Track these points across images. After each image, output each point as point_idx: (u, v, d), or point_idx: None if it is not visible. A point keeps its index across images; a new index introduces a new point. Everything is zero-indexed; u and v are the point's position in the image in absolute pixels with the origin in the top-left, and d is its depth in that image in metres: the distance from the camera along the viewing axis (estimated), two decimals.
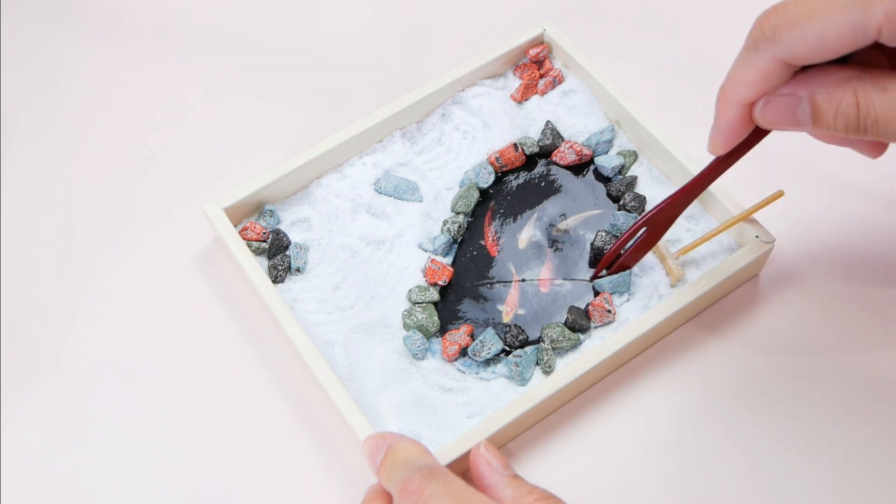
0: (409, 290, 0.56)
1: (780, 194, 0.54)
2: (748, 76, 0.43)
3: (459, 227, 0.58)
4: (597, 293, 0.55)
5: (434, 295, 0.56)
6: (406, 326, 0.55)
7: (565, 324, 0.54)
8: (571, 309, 0.54)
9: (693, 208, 0.57)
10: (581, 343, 0.54)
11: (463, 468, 0.50)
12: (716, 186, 0.56)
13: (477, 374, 0.53)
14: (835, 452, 0.51)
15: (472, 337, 0.54)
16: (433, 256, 0.57)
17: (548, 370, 0.53)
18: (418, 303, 0.55)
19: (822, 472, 0.50)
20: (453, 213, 0.59)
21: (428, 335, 0.54)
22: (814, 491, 0.50)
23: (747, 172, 0.60)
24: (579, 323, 0.54)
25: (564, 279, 0.56)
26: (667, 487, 0.50)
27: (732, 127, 0.46)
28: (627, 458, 0.51)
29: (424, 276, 0.56)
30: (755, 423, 0.52)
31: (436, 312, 0.55)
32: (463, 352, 0.54)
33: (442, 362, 0.54)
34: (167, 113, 0.66)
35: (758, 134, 0.47)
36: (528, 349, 0.53)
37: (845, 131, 0.42)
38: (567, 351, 0.54)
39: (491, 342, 0.53)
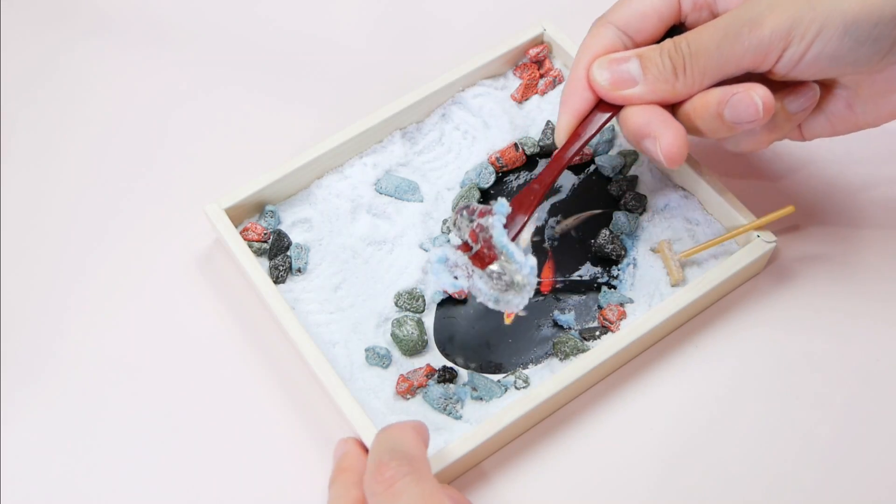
0: (398, 294, 0.56)
1: (790, 210, 0.55)
2: (595, 44, 0.51)
3: None
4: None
5: (421, 305, 0.56)
6: (394, 336, 0.54)
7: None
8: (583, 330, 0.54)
9: (697, 212, 0.57)
10: (588, 349, 0.54)
11: (459, 472, 0.51)
12: (723, 190, 0.56)
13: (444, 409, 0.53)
14: (835, 452, 0.51)
15: (428, 377, 0.53)
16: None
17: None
18: (406, 309, 0.55)
19: (822, 471, 0.51)
20: (446, 227, 0.59)
21: (412, 352, 0.54)
22: (814, 491, 0.50)
23: (749, 172, 0.60)
24: (591, 334, 0.54)
25: (566, 280, 0.57)
26: (667, 487, 0.51)
27: (577, 96, 0.51)
28: (627, 459, 0.51)
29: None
30: (755, 424, 0.52)
31: (424, 329, 0.55)
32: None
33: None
34: (168, 113, 0.66)
35: (597, 115, 0.51)
36: (452, 387, 0.53)
37: (672, 71, 0.48)
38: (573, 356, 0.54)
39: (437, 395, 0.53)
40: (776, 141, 0.51)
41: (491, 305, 0.49)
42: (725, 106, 0.47)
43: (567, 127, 0.51)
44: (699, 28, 0.48)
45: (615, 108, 0.50)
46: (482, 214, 0.49)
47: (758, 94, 0.46)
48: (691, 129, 0.49)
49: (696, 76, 0.47)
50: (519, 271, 0.48)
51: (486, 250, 0.48)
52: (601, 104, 0.51)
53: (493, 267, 0.48)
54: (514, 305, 0.49)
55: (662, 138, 0.48)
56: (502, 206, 0.49)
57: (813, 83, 0.49)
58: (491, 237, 0.48)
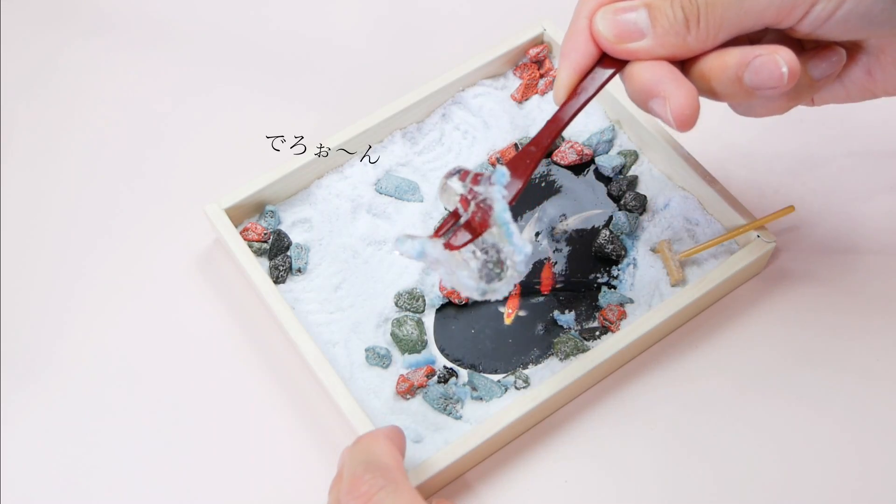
0: (398, 294, 0.56)
1: (790, 209, 0.55)
2: None
3: None
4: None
5: (421, 305, 0.56)
6: (394, 336, 0.55)
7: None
8: (583, 331, 0.54)
9: (697, 212, 0.57)
10: (588, 349, 0.54)
11: (459, 472, 0.51)
12: (723, 190, 0.56)
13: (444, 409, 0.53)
14: (835, 452, 0.51)
15: (429, 377, 0.53)
16: None
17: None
18: (406, 309, 0.56)
19: (822, 471, 0.51)
20: (446, 212, 0.59)
21: (412, 352, 0.54)
22: (814, 491, 0.50)
23: (749, 172, 0.60)
24: (591, 334, 0.54)
25: (565, 280, 0.57)
26: (667, 487, 0.51)
27: (578, 49, 0.45)
28: (627, 458, 0.51)
29: (441, 291, 0.56)
30: (756, 424, 0.52)
31: (424, 329, 0.55)
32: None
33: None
34: (168, 113, 0.66)
35: (600, 71, 0.46)
36: (453, 388, 0.53)
37: (684, 23, 0.43)
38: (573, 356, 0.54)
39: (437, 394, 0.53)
40: (792, 107, 0.47)
41: (477, 297, 0.46)
42: (746, 69, 0.42)
43: (567, 83, 0.46)
44: None
45: (620, 64, 0.45)
46: (476, 180, 0.45)
47: (783, 58, 0.42)
48: (705, 91, 0.45)
49: (711, 29, 0.43)
50: (513, 255, 0.44)
51: (477, 217, 0.45)
52: (604, 59, 0.46)
53: (488, 238, 0.45)
54: (499, 293, 0.45)
55: (673, 98, 0.43)
56: (502, 175, 0.45)
57: (839, 47, 0.45)
58: (489, 209, 0.44)
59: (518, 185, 0.45)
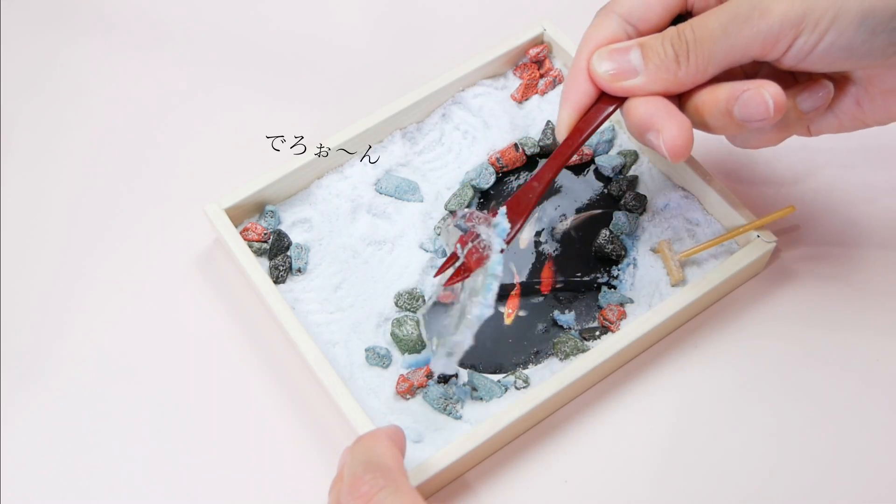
0: (398, 294, 0.56)
1: (790, 209, 0.55)
2: (598, 35, 0.48)
3: None
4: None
5: (420, 306, 0.56)
6: (394, 336, 0.55)
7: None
8: (583, 331, 0.54)
9: (697, 212, 0.57)
10: (588, 349, 0.54)
11: (456, 474, 0.51)
12: (723, 190, 0.56)
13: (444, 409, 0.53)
14: (835, 453, 0.51)
15: (429, 377, 0.53)
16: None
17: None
18: (406, 309, 0.55)
19: (823, 471, 0.51)
20: (447, 213, 0.59)
21: (412, 352, 0.54)
22: (814, 491, 0.50)
23: (749, 172, 0.60)
24: (591, 334, 0.54)
25: (565, 280, 0.57)
26: (667, 487, 0.51)
27: (578, 89, 0.48)
28: (627, 458, 0.51)
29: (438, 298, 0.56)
30: (756, 424, 0.52)
31: (423, 329, 0.55)
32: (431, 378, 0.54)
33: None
34: (168, 113, 0.66)
35: (600, 109, 0.49)
36: (454, 388, 0.53)
37: (674, 59, 0.45)
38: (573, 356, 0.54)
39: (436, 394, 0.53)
40: (786, 139, 0.49)
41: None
42: (735, 103, 0.45)
43: (568, 122, 0.49)
44: (705, 13, 0.45)
45: (618, 101, 0.48)
46: (480, 222, 0.48)
47: (769, 92, 0.44)
48: (699, 125, 0.47)
49: (701, 63, 0.45)
50: (479, 305, 0.47)
51: (474, 257, 0.48)
52: (603, 97, 0.48)
53: (471, 282, 0.48)
54: (461, 346, 0.48)
55: (666, 131, 0.45)
56: (503, 230, 0.48)
57: (827, 81, 0.47)
58: (487, 257, 0.48)
59: (521, 220, 0.49)
